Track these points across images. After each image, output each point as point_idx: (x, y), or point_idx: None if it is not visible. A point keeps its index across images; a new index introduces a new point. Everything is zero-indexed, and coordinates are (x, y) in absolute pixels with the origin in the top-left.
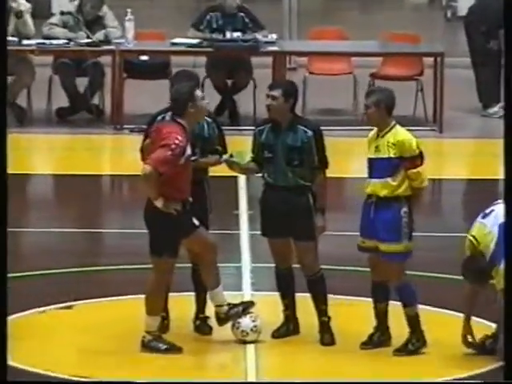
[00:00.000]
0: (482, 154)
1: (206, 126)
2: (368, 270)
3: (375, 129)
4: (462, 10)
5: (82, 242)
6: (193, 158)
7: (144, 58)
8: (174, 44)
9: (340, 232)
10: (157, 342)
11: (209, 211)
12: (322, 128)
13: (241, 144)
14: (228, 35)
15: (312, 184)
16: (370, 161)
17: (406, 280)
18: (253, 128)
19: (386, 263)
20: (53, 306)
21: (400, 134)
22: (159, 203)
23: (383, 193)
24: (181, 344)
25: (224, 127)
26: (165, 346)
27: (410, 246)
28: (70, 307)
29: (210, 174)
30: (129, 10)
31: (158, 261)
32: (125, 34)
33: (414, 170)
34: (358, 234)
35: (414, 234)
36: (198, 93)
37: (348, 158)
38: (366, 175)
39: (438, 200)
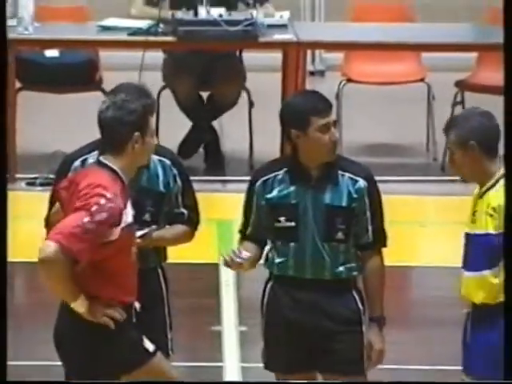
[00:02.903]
0: None
1: (161, 173)
2: None
3: None
4: None
5: None
6: (140, 233)
7: (52, 53)
8: (104, 28)
9: (404, 365)
10: None
11: (168, 324)
12: (376, 178)
13: (227, 208)
14: (203, 13)
15: (359, 274)
16: (466, 239)
17: None
18: (247, 179)
19: None
20: None
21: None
22: (80, 307)
23: (479, 297)
24: None
25: (195, 177)
26: None
27: None
28: None
29: (172, 258)
30: None
31: None
32: (17, 11)
33: None
34: (438, 367)
35: None
36: (152, 121)
37: (417, 230)
38: (454, 263)
39: None
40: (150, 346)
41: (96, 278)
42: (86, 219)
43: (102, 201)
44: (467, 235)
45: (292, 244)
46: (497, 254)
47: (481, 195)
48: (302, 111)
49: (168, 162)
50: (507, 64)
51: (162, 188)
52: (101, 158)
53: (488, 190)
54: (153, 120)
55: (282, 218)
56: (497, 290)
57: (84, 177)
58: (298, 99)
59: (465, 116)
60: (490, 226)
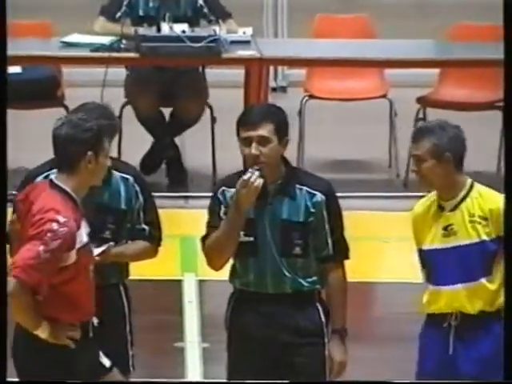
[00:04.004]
0: None
1: (122, 190)
2: None
3: (429, 196)
4: None
5: None
6: (99, 250)
7: (15, 69)
8: (67, 44)
9: (368, 376)
10: None
11: (129, 341)
12: (338, 194)
13: (190, 224)
14: (165, 29)
15: (322, 288)
16: (436, 254)
17: None
18: (210, 195)
19: None
20: None
21: (489, 198)
22: (43, 332)
23: (477, 306)
24: None
25: (157, 193)
26: None
27: None
28: None
29: (135, 275)
30: None
31: None
32: None
33: None
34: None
35: None
36: (107, 142)
37: (380, 245)
38: (411, 279)
39: None
40: (106, 361)
41: (55, 302)
42: (41, 248)
43: (55, 226)
44: (442, 251)
45: (252, 259)
46: (491, 260)
47: (454, 207)
48: (237, 122)
49: (130, 178)
50: (507, 64)
51: (123, 205)
52: (53, 178)
53: (461, 201)
54: (110, 140)
55: (242, 233)
56: (494, 296)
57: (37, 197)
58: (245, 110)
59: (440, 126)
60: (483, 234)
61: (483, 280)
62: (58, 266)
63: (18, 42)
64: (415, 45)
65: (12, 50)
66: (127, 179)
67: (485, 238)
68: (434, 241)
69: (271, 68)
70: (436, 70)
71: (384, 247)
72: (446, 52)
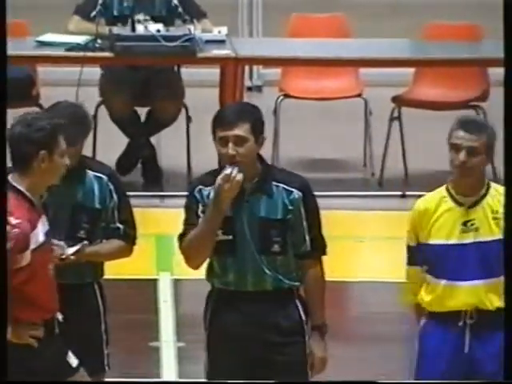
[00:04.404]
0: None
1: (96, 189)
2: None
3: (435, 193)
4: None
5: None
6: (73, 249)
7: None
8: (41, 44)
9: (346, 375)
10: None
11: (104, 340)
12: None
13: (165, 223)
14: (140, 29)
15: (301, 284)
16: (453, 250)
17: None
18: (185, 194)
19: None
20: None
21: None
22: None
23: (495, 303)
24: None
25: (133, 192)
26: None
27: None
28: None
29: (110, 274)
30: None
31: None
32: None
33: None
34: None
35: None
36: (62, 142)
37: (355, 245)
38: (391, 276)
39: None
40: (73, 360)
41: (14, 302)
42: None
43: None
44: (462, 247)
45: (231, 258)
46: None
47: (474, 203)
48: (212, 122)
49: (105, 177)
50: (507, 64)
51: (97, 204)
52: (8, 178)
53: (482, 197)
54: (83, 139)
55: (220, 232)
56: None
57: None
58: (220, 110)
59: (489, 124)
60: (498, 231)
61: (502, 277)
62: (13, 267)
63: None
64: (390, 44)
65: None
66: (101, 178)
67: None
68: (451, 236)
69: (246, 67)
70: (411, 70)
71: (359, 246)
72: (421, 51)
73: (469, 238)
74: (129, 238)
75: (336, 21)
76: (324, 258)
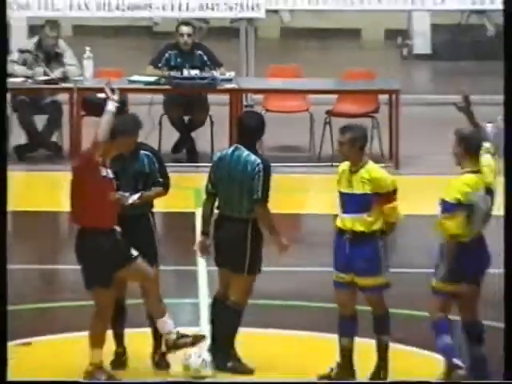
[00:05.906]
0: (437, 190)
1: (146, 160)
2: (332, 305)
3: (345, 163)
4: (418, 48)
5: (40, 279)
6: (137, 195)
7: (102, 95)
8: (131, 81)
9: (299, 267)
10: (97, 372)
11: (156, 246)
12: (279, 164)
13: (198, 181)
14: (186, 73)
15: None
16: (343, 195)
17: (387, 309)
18: (209, 165)
19: (368, 296)
20: (12, 342)
21: (375, 170)
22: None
23: (360, 228)
24: (139, 379)
25: (182, 164)
26: (103, 377)
27: (388, 278)
28: (29, 343)
29: (169, 209)
30: (87, 49)
31: (93, 293)
32: (83, 71)
33: (390, 205)
34: (316, 269)
35: None
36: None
37: (304, 194)
38: (324, 211)
39: (394, 235)
40: (134, 252)
41: (96, 211)
42: None
43: None
44: (345, 194)
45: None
46: (371, 205)
47: (355, 171)
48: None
49: (150, 154)
50: (507, 65)
51: (147, 169)
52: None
53: (359, 169)
54: (135, 135)
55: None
56: (370, 224)
57: None
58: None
59: (350, 126)
60: (367, 189)
61: (364, 215)
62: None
63: (103, 81)
64: (324, 81)
65: (101, 84)
66: (148, 155)
67: (367, 191)
68: (342, 187)
69: (244, 94)
70: (335, 96)
71: (305, 195)
72: (341, 85)
73: (349, 189)
74: (165, 185)
75: (295, 69)
76: (282, 199)
